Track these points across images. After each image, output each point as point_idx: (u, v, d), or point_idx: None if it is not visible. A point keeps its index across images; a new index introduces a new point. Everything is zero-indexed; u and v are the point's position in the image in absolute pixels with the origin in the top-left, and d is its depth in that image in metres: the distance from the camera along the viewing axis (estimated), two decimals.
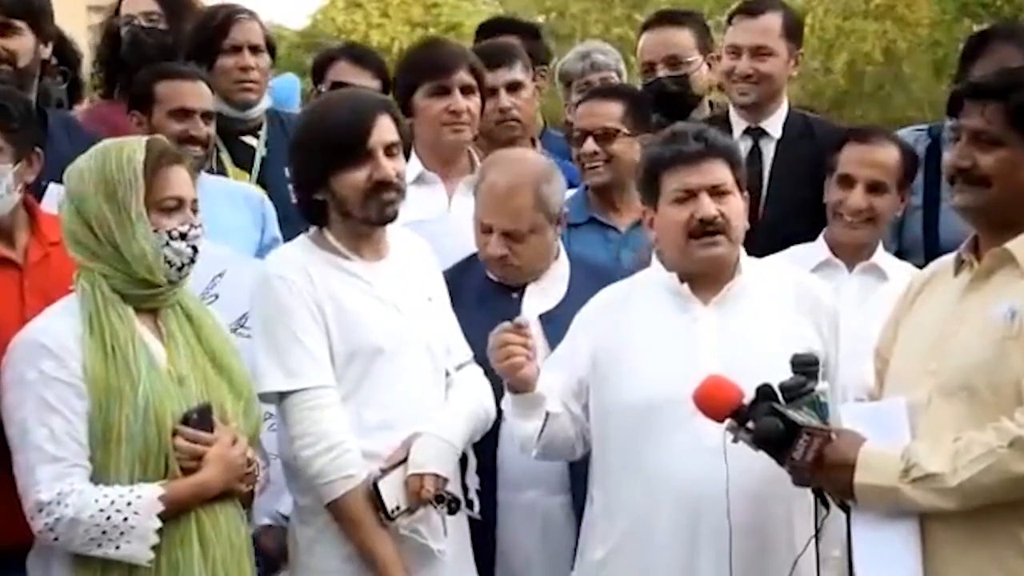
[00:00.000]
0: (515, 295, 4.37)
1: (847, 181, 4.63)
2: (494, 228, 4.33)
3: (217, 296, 4.38)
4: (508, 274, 4.38)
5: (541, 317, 4.30)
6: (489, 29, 6.18)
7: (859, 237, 4.63)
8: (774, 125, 5.27)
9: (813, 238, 4.74)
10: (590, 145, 4.97)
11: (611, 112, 5.01)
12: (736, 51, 5.26)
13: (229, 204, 4.83)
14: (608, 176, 4.98)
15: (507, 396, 3.88)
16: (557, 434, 3.92)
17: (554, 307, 4.34)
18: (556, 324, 4.19)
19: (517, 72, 5.43)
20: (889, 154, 4.64)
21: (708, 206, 3.84)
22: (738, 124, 5.28)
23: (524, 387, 3.82)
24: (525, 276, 4.40)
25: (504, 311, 4.16)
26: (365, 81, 5.45)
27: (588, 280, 4.35)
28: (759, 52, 5.22)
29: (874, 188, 4.60)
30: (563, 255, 4.47)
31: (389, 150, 3.98)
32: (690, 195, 3.86)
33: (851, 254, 4.66)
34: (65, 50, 5.48)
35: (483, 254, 4.39)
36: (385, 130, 3.98)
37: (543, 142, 5.80)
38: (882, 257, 4.69)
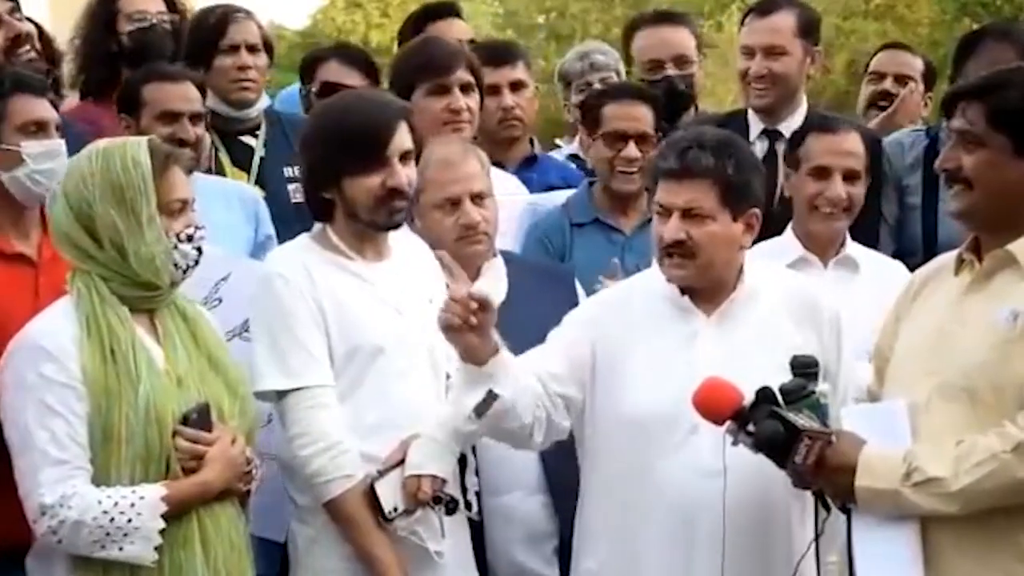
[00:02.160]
0: None
1: (823, 172, 4.59)
2: (462, 196, 4.29)
3: (221, 300, 4.36)
4: (478, 250, 4.33)
5: None
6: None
7: (838, 228, 4.61)
8: (790, 127, 5.22)
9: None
10: (633, 151, 4.89)
11: (647, 116, 4.95)
12: (749, 52, 5.23)
13: (222, 203, 4.80)
14: (639, 183, 4.91)
15: (457, 362, 3.79)
16: (502, 415, 3.76)
17: (500, 304, 4.30)
18: (505, 321, 4.17)
19: (520, 71, 5.42)
20: (856, 142, 4.63)
21: (672, 229, 3.78)
22: (755, 125, 5.25)
23: (469, 357, 3.72)
24: (487, 254, 4.36)
25: None
26: (355, 81, 5.44)
27: (525, 275, 4.39)
28: (772, 52, 5.18)
29: (849, 177, 4.59)
30: (496, 252, 4.44)
31: (404, 157, 3.99)
32: (666, 212, 3.82)
33: (824, 248, 4.63)
34: (46, 48, 5.45)
35: (453, 232, 4.29)
36: (404, 137, 3.99)
37: None
38: (852, 247, 4.67)
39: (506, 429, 3.82)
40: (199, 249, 3.73)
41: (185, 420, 3.64)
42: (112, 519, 3.52)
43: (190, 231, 3.71)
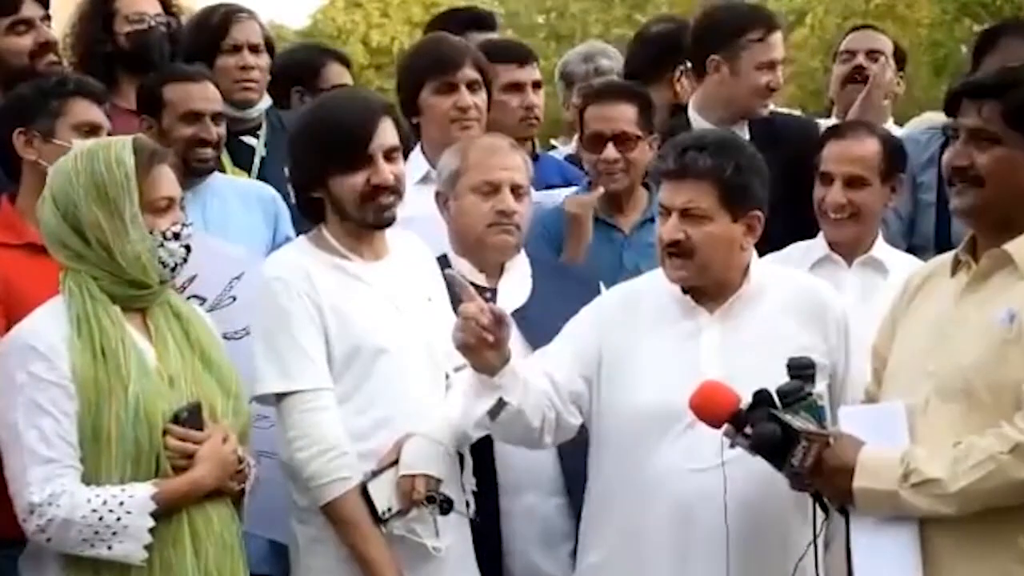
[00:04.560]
0: (488, 295, 4.30)
1: (826, 178, 4.61)
2: (504, 183, 4.29)
3: (234, 299, 4.37)
4: (507, 240, 4.32)
5: (514, 314, 4.29)
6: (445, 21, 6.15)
7: (846, 234, 4.61)
8: (741, 130, 5.21)
9: (794, 239, 4.70)
10: (612, 152, 4.88)
11: (627, 115, 4.93)
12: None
13: (241, 203, 4.83)
14: (626, 182, 4.92)
15: (468, 369, 3.79)
16: (512, 421, 3.78)
17: (524, 304, 4.32)
18: (529, 321, 4.20)
19: (537, 71, 5.45)
20: (866, 147, 4.60)
21: (670, 229, 3.81)
22: (701, 125, 5.16)
23: (481, 369, 3.72)
24: (514, 248, 4.35)
25: None
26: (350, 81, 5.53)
27: (549, 276, 4.39)
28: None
29: (852, 183, 4.57)
30: (522, 251, 4.44)
31: (389, 154, 3.98)
32: (666, 212, 3.84)
33: (847, 249, 4.63)
34: None
35: (487, 217, 4.29)
36: (387, 134, 3.98)
37: None
38: (882, 249, 4.66)
39: (516, 433, 3.85)
40: (187, 247, 3.73)
41: (176, 419, 3.63)
42: (101, 518, 3.52)
43: (176, 228, 3.70)
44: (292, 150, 4.13)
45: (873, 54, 6.01)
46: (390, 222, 4.01)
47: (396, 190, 3.98)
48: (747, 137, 5.16)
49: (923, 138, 5.26)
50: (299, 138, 4.10)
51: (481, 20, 6.14)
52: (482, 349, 3.65)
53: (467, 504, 4.05)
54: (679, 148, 3.86)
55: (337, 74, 5.74)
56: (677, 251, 3.81)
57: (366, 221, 3.98)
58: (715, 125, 5.16)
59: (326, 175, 3.97)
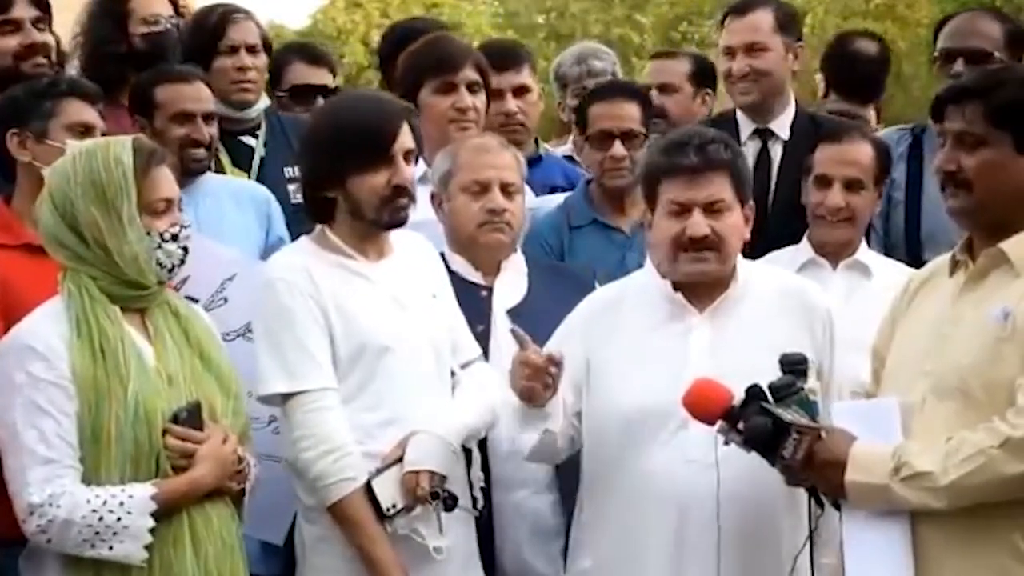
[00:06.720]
0: (484, 292, 4.36)
1: (824, 181, 4.65)
2: (492, 182, 4.34)
3: (226, 300, 4.37)
4: (500, 239, 4.36)
5: (509, 312, 4.32)
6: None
7: (841, 236, 4.66)
8: (782, 126, 5.23)
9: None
10: (620, 149, 4.92)
11: (633, 113, 4.98)
12: (730, 52, 5.24)
13: (234, 204, 4.82)
14: (629, 179, 4.93)
15: (512, 400, 3.82)
16: (549, 446, 3.88)
17: (520, 302, 4.35)
18: (524, 319, 4.19)
19: (524, 75, 5.44)
20: (863, 151, 4.67)
21: (699, 224, 3.80)
22: (746, 125, 5.23)
23: (531, 401, 3.78)
24: (508, 247, 4.39)
25: (474, 307, 4.24)
26: (323, 79, 5.54)
27: (545, 275, 4.42)
28: (752, 49, 5.20)
29: (850, 186, 4.63)
30: (518, 249, 4.48)
31: (407, 156, 4.00)
32: (684, 209, 3.82)
33: (834, 252, 4.68)
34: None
35: (478, 217, 4.34)
36: (406, 136, 4.01)
37: None
38: (865, 253, 4.72)
39: (546, 454, 3.93)
40: (185, 248, 3.74)
41: (176, 419, 3.64)
42: (101, 518, 3.52)
43: (175, 230, 3.71)
44: (307, 149, 4.13)
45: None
46: (403, 223, 4.03)
47: (411, 193, 4.01)
48: (787, 134, 5.23)
49: (894, 137, 5.29)
50: (316, 137, 4.08)
51: (431, 30, 6.12)
52: (541, 390, 3.72)
53: (475, 500, 4.06)
54: (697, 143, 3.84)
55: (300, 74, 5.73)
56: (704, 245, 3.81)
57: (381, 221, 3.99)
58: (759, 125, 5.24)
59: (345, 174, 3.96)
